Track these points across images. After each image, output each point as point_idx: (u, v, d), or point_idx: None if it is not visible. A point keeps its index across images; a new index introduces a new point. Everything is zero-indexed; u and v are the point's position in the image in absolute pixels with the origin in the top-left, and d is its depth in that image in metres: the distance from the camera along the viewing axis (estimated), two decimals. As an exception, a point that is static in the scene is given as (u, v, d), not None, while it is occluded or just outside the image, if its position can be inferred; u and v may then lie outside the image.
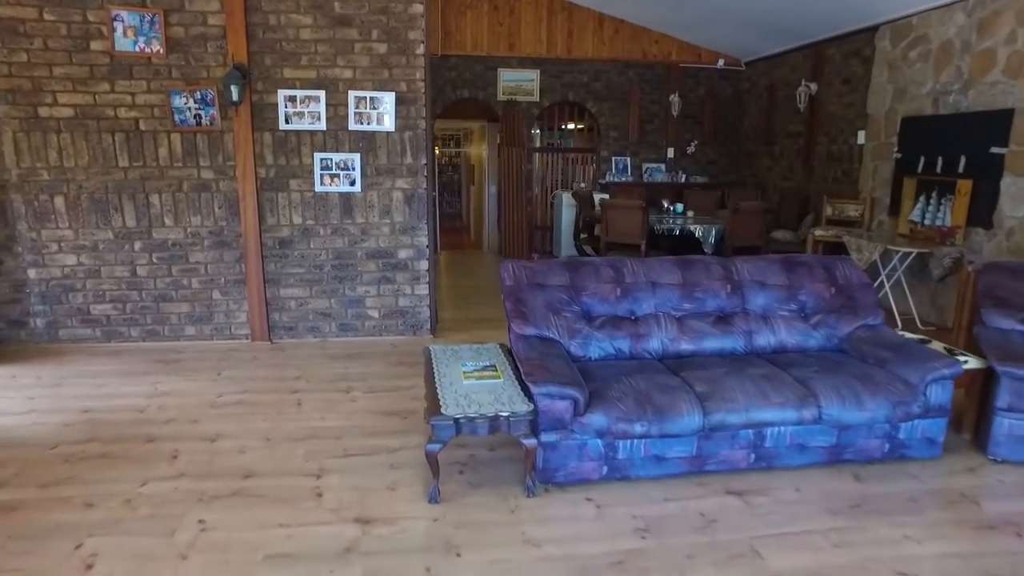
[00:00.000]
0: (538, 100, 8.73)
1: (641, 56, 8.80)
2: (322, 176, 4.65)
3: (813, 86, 7.40)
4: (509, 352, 3.52)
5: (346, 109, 4.58)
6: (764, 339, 3.55)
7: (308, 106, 4.51)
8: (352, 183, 4.68)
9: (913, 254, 5.51)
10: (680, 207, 6.93)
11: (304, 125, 4.54)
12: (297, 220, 4.71)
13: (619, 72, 8.86)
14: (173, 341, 4.77)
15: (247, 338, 4.84)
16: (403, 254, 4.89)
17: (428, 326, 5.05)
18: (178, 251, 4.65)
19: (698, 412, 2.84)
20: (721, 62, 8.91)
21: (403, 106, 4.67)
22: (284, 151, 4.59)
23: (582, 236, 7.26)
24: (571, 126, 10.46)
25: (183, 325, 4.76)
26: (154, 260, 4.63)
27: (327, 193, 4.70)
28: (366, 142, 4.66)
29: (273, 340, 4.86)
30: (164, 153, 4.48)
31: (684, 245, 6.57)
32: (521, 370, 2.92)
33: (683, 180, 8.97)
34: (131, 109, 4.37)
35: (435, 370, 3.19)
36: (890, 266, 5.68)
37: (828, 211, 6.78)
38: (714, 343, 3.49)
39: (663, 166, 9.17)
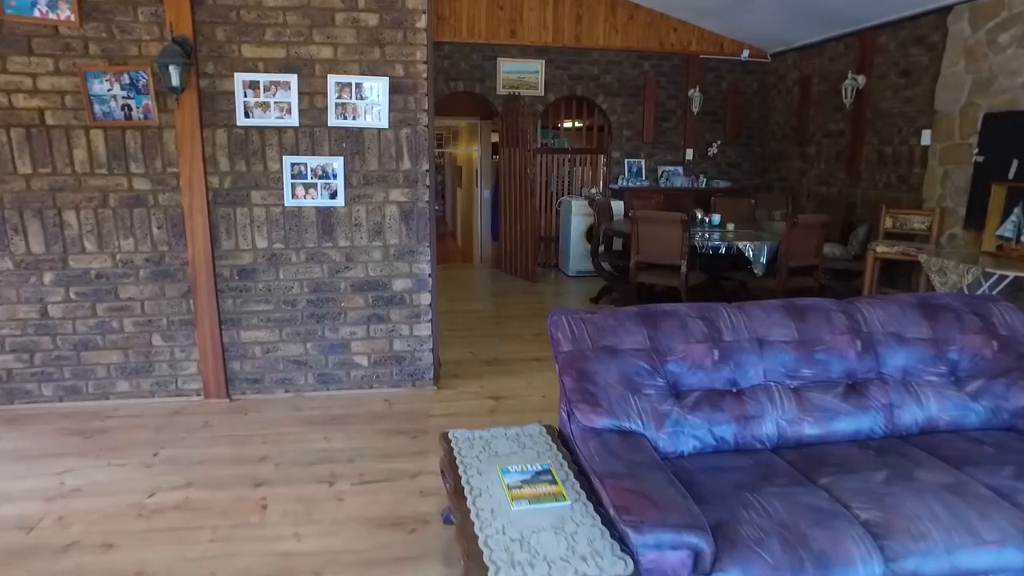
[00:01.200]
0: (542, 94, 7.71)
1: (658, 46, 7.82)
2: (294, 186, 3.58)
3: (861, 79, 6.47)
4: (560, 439, 2.50)
5: (325, 100, 3.52)
6: (909, 415, 2.56)
7: (275, 95, 3.44)
8: (333, 195, 3.62)
9: (1010, 278, 4.59)
10: (717, 218, 5.96)
11: (270, 120, 3.47)
12: (262, 243, 3.64)
13: (633, 64, 7.87)
14: (100, 400, 3.66)
15: (198, 395, 3.75)
16: (399, 285, 3.84)
17: (430, 374, 4.00)
18: (105, 284, 3.54)
19: (875, 558, 1.84)
20: (746, 53, 7.96)
21: (399, 96, 3.62)
22: (244, 154, 3.52)
23: (601, 250, 6.25)
24: (568, 124, 9.48)
25: (113, 380, 3.66)
26: (72, 296, 3.52)
27: (301, 208, 3.63)
28: (351, 142, 3.61)
29: (232, 396, 3.78)
30: (81, 156, 3.37)
31: (728, 265, 5.60)
32: (606, 497, 1.89)
33: (703, 185, 8.01)
34: (32, 96, 3.26)
35: (464, 477, 2.16)
36: (980, 292, 4.75)
37: (887, 223, 5.85)
38: (846, 424, 2.49)
39: (681, 169, 8.20)
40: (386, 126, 3.61)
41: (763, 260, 5.11)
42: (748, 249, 5.09)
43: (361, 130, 3.60)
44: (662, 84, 7.99)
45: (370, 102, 3.54)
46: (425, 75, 3.64)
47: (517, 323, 5.62)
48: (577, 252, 7.60)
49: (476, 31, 7.38)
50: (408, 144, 3.68)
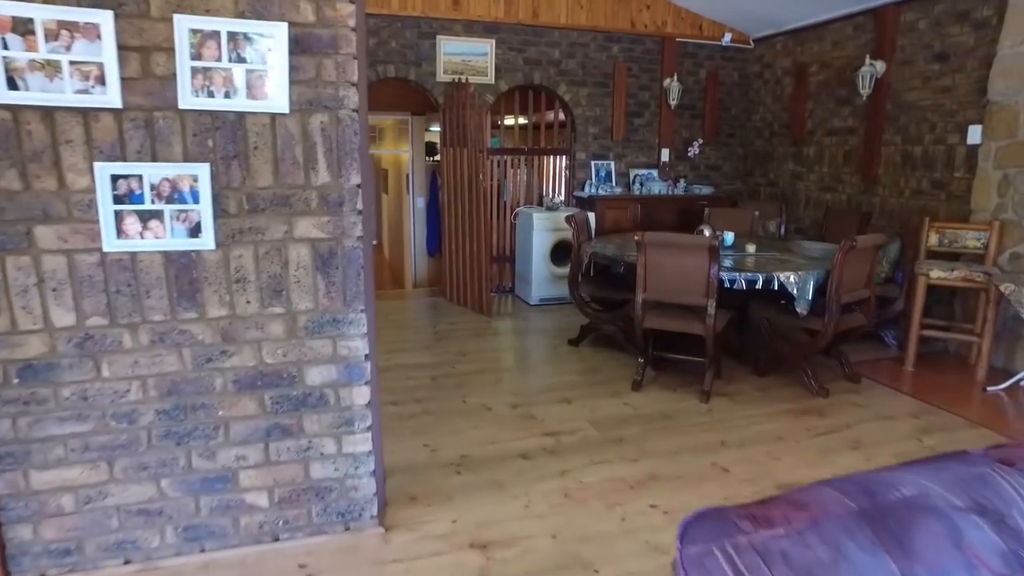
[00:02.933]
0: (492, 82, 6.27)
1: (628, 26, 6.53)
2: (121, 216, 2.00)
3: (879, 65, 5.38)
4: None
5: (170, 60, 1.95)
6: None
7: (70, 48, 1.85)
8: (194, 231, 2.06)
9: None
10: (729, 237, 4.69)
11: (63, 95, 1.88)
12: (64, 319, 2.04)
13: (600, 47, 6.55)
14: None
15: (-46, 587, 2.10)
16: (316, 377, 2.32)
17: (372, 509, 2.50)
18: None
19: None
20: (728, 37, 6.80)
21: (308, 58, 2.10)
22: (14, 159, 1.91)
23: (580, 278, 4.87)
24: (510, 121, 8.10)
25: None
26: None
27: (136, 255, 2.06)
28: (224, 138, 2.06)
29: (21, 584, 2.16)
30: None
31: (756, 300, 4.33)
32: None
33: (682, 191, 6.78)
34: None
35: None
36: (1088, 332, 3.67)
37: (931, 239, 4.75)
38: None
39: (655, 172, 6.95)
40: (285, 110, 2.08)
41: (809, 296, 3.86)
42: (792, 281, 3.82)
43: (241, 116, 2.05)
44: (633, 72, 6.71)
45: (255, 67, 2.00)
46: (352, 23, 2.13)
47: (482, 385, 4.16)
48: (541, 276, 6.21)
49: (410, 1, 5.86)
50: (326, 141, 2.16)
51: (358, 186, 2.23)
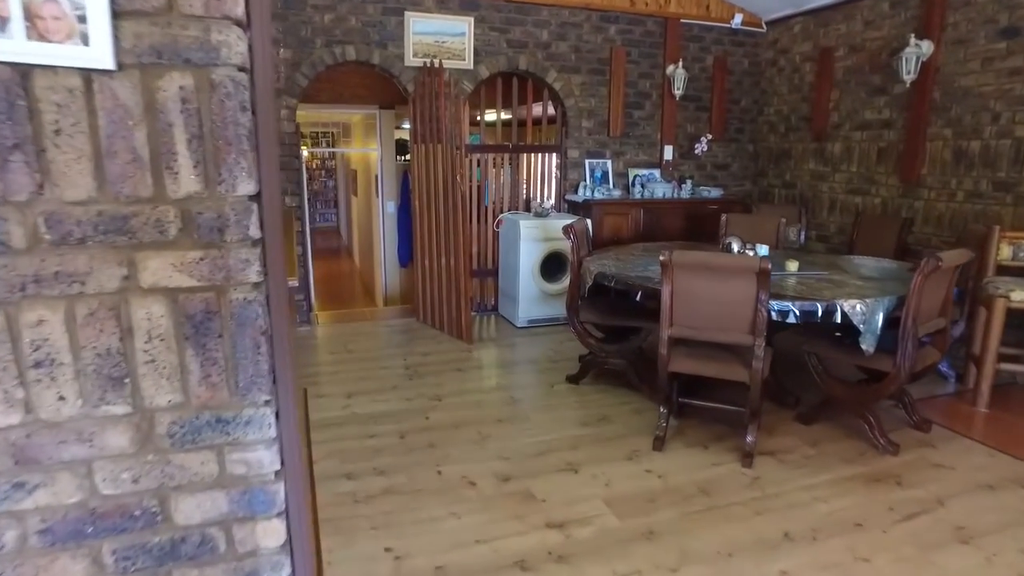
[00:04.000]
0: (471, 67, 5.37)
1: (627, 5, 5.68)
2: None
3: (926, 45, 4.58)
4: None
5: None
6: None
7: None
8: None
9: None
10: (763, 249, 3.85)
11: None
12: None
13: (595, 28, 5.69)
14: None
15: None
16: (194, 512, 1.40)
17: None
18: None
19: None
20: (738, 18, 5.98)
21: (157, -26, 1.17)
22: None
23: (581, 301, 3.99)
24: (492, 114, 7.23)
25: None
26: None
27: None
28: None
29: None
30: None
31: (810, 333, 3.48)
32: None
33: (689, 194, 5.94)
34: None
35: None
36: None
37: (1002, 252, 3.96)
38: None
39: (657, 172, 6.10)
40: (109, 64, 1.16)
41: (877, 329, 3.03)
42: (857, 313, 2.98)
43: (24, 75, 1.13)
44: (633, 57, 5.86)
45: (46, -17, 1.09)
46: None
47: (462, 445, 3.27)
48: (529, 293, 5.32)
49: (372, -30, 4.94)
50: (191, 122, 1.24)
51: (253, 198, 1.32)
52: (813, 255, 4.40)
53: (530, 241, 5.21)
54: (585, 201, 5.52)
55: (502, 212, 5.78)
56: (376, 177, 8.17)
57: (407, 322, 5.58)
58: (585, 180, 5.86)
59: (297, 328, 5.31)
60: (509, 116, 5.74)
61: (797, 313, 2.99)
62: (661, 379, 3.19)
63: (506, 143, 5.71)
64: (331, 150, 16.94)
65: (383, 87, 6.98)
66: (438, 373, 4.32)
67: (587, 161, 5.88)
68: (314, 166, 18.08)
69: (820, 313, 2.99)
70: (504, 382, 4.20)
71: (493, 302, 5.92)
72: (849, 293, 3.13)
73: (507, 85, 5.63)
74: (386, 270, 8.25)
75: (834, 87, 5.49)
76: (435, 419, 3.58)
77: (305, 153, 15.22)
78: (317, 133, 16.28)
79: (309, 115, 10.49)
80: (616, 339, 4.11)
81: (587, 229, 4.32)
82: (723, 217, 4.93)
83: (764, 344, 2.91)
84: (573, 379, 4.15)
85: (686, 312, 3.01)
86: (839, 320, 2.99)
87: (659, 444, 3.23)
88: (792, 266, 3.66)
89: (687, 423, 3.53)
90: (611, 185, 5.91)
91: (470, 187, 5.53)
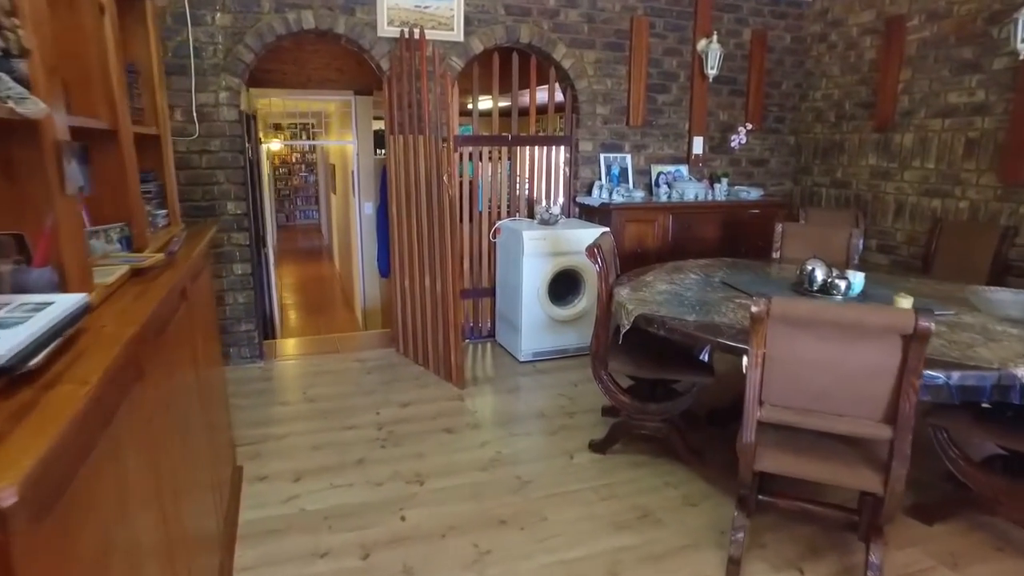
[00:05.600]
0: (461, 39, 4.33)
1: (651, -37, 4.65)
2: None
3: (1040, 9, 3.59)
4: None
5: None
6: None
7: None
8: None
9: None
10: (858, 281, 2.83)
11: None
12: None
13: (612, -7, 4.66)
14: None
15: None
16: None
17: None
18: None
19: None
20: (783, -17, 4.96)
21: None
22: None
23: (611, 347, 2.97)
24: (487, 100, 6.23)
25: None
26: None
27: None
28: None
29: None
30: None
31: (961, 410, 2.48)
32: None
33: (724, 195, 4.93)
34: None
35: None
36: None
37: None
38: None
39: (684, 170, 5.09)
40: None
41: (1063, 405, 2.03)
42: (1043, 385, 1.99)
43: None
44: (658, 30, 4.84)
45: None
46: None
47: (452, 570, 2.26)
48: (535, 320, 4.30)
49: (334, -86, 3.88)
50: None
51: None
52: (905, 279, 3.38)
53: (535, 256, 4.19)
54: (602, 205, 4.49)
55: (499, 219, 4.75)
56: (351, 173, 7.12)
57: (385, 355, 4.55)
58: (600, 179, 4.85)
59: (244, 366, 4.27)
60: (508, 103, 4.71)
61: (954, 388, 1.99)
62: (742, 477, 2.18)
63: (504, 134, 4.67)
64: (300, 143, 15.77)
65: (358, 68, 5.95)
66: (420, 435, 3.30)
67: (602, 156, 4.86)
68: (293, 160, 16.97)
69: (989, 389, 1.99)
70: (507, 450, 3.19)
71: (490, 326, 4.90)
72: (1020, 354, 2.13)
73: (505, 63, 4.59)
74: (364, 280, 7.22)
75: (904, 65, 4.49)
76: (413, 520, 2.56)
77: (277, 146, 14.07)
78: (296, 124, 15.14)
79: (287, 104, 9.41)
80: (654, 391, 3.11)
81: (614, 248, 3.30)
82: (778, 227, 3.92)
83: (910, 437, 1.91)
84: (598, 447, 3.14)
85: (786, 386, 2.01)
86: (1018, 400, 1.99)
87: (735, 569, 2.23)
88: (904, 301, 2.65)
89: (762, 523, 2.54)
90: (631, 184, 4.89)
91: (460, 188, 4.50)
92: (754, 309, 1.92)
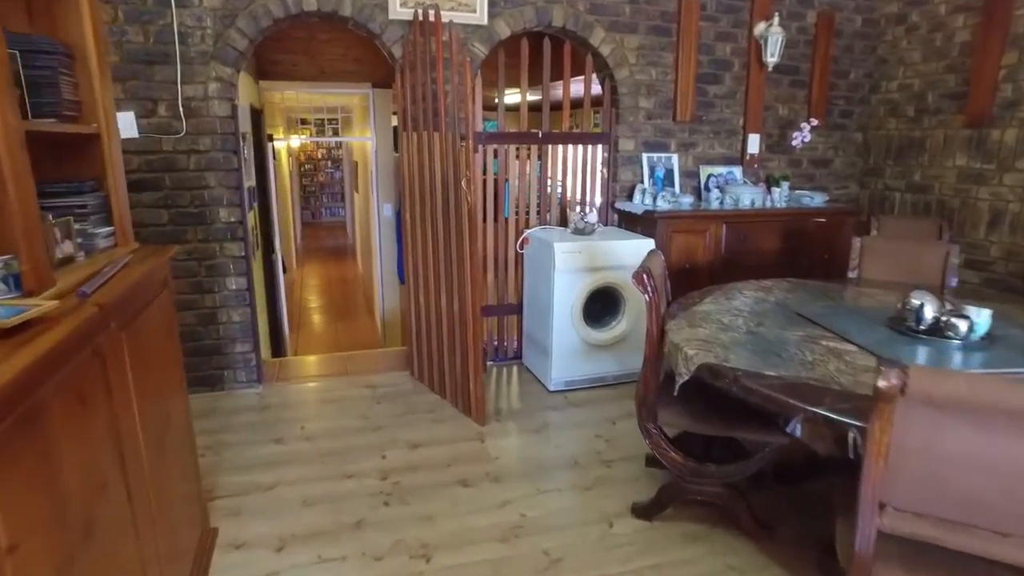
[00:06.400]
0: (484, 22, 3.79)
1: (704, -66, 4.05)
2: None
3: None
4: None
5: None
6: None
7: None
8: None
9: None
10: (983, 321, 2.23)
11: None
12: None
13: (659, -31, 4.07)
14: None
15: None
16: None
17: None
18: None
19: None
20: (856, -44, 4.32)
21: None
22: None
23: (661, 396, 2.41)
24: (514, 93, 5.72)
25: None
26: None
27: None
28: None
29: None
30: None
31: None
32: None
33: (783, 202, 4.32)
34: None
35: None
36: None
37: None
38: None
39: (737, 172, 4.49)
40: None
41: None
42: None
43: None
44: (709, 11, 4.24)
45: None
46: None
47: None
48: (568, 344, 3.76)
49: None
50: None
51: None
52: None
53: (569, 272, 3.64)
54: (646, 213, 3.92)
55: (527, 226, 4.21)
56: (370, 172, 6.65)
57: (398, 379, 4.05)
58: (643, 182, 4.27)
59: (239, 391, 3.81)
60: (538, 96, 4.15)
61: None
62: (847, 596, 1.61)
63: (534, 131, 4.12)
64: (315, 139, 15.36)
65: (376, 59, 5.46)
66: (431, 490, 2.79)
67: (645, 156, 4.28)
68: (319, 156, 16.63)
69: None
70: (533, 512, 2.65)
71: (516, 347, 4.37)
72: None
73: (535, 50, 4.03)
74: (383, 286, 6.75)
75: (1008, 47, 3.82)
76: None
77: (296, 142, 13.69)
78: (322, 120, 14.78)
79: (301, 98, 8.99)
80: (709, 447, 2.55)
81: (665, 270, 2.74)
82: (856, 242, 3.31)
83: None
84: (643, 512, 2.59)
85: (920, 488, 1.44)
86: None
87: None
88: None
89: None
90: (677, 188, 4.31)
91: (484, 187, 3.97)
92: (882, 384, 1.35)
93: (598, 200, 4.37)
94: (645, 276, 2.34)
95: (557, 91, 4.29)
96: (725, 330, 2.36)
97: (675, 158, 4.34)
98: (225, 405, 3.65)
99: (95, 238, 1.96)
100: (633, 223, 4.10)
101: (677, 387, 2.19)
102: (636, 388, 2.51)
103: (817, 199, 4.34)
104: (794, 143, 4.45)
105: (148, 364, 1.85)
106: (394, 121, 6.24)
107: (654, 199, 4.09)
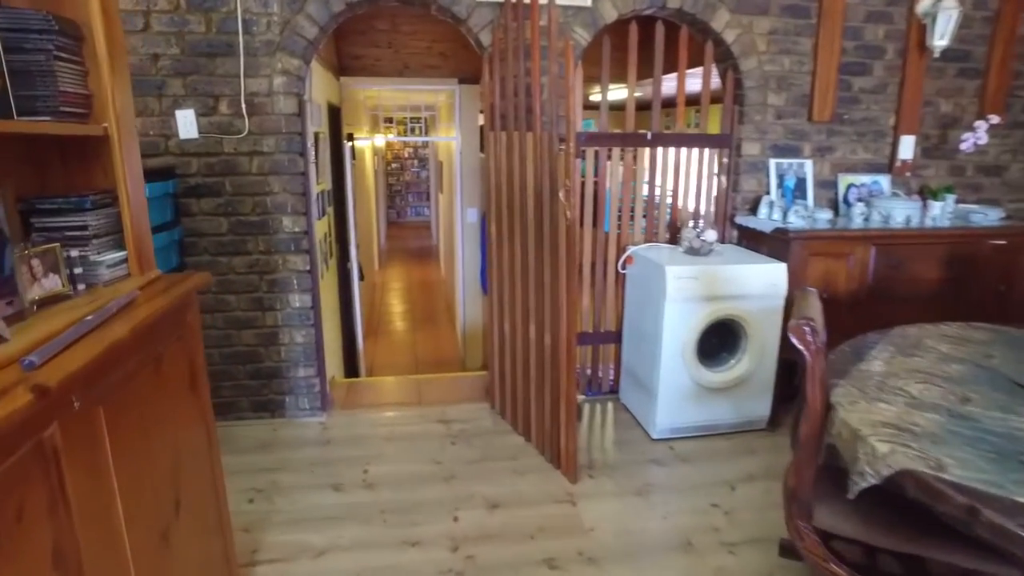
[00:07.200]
0: (588, 4, 3.23)
1: None
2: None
3: None
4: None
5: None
6: None
7: None
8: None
9: None
10: None
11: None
12: None
13: (799, -64, 3.39)
14: None
15: None
16: None
17: None
18: None
19: None
20: (1053, -85, 3.47)
21: None
22: None
23: (820, 494, 1.79)
24: (619, 88, 5.11)
25: None
26: None
27: None
28: None
29: None
30: None
31: None
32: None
33: (949, 219, 3.53)
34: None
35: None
36: None
37: None
38: None
39: (885, 180, 3.74)
40: None
41: None
42: None
43: None
44: (860, -13, 3.52)
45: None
46: None
47: None
48: (677, 385, 3.15)
49: None
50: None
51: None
52: None
53: (682, 301, 3.03)
54: (777, 231, 3.25)
55: (631, 243, 3.62)
56: (454, 174, 6.22)
57: (477, 412, 3.57)
58: (769, 192, 3.60)
59: (302, 420, 3.43)
60: (646, 91, 3.56)
61: None
62: None
63: (642, 131, 3.53)
64: (397, 138, 15.16)
65: (464, 52, 5.03)
66: (511, 571, 2.27)
67: (772, 162, 3.61)
68: (405, 155, 16.52)
69: None
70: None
71: (612, 379, 3.80)
72: None
73: (646, 37, 3.44)
74: (465, 296, 6.31)
75: None
76: None
77: (380, 141, 13.53)
78: (405, 119, 14.62)
79: (397, 96, 8.72)
80: (875, 553, 1.90)
81: (819, 305, 2.10)
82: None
83: None
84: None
85: None
86: None
87: None
88: None
89: None
90: (809, 200, 3.61)
91: (581, 198, 3.41)
92: None
93: (712, 211, 3.72)
94: (807, 330, 1.72)
95: (668, 85, 3.69)
96: (918, 407, 1.72)
97: (808, 165, 3.64)
98: (285, 436, 3.28)
99: (98, 267, 1.54)
100: (756, 242, 3.45)
101: (856, 490, 1.57)
102: (785, 474, 1.90)
103: (992, 216, 3.53)
104: (964, 146, 3.64)
105: (152, 431, 1.42)
106: (481, 120, 5.79)
107: (784, 214, 3.42)
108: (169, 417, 1.54)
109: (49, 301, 1.37)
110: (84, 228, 1.51)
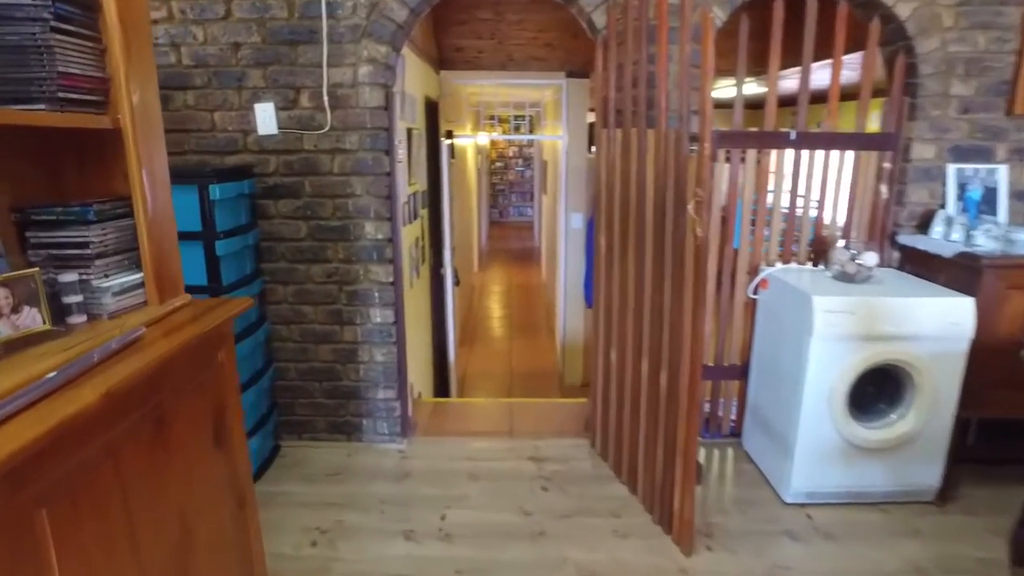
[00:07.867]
0: (728, -21, 2.69)
1: None
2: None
3: None
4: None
5: None
6: None
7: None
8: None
9: None
10: None
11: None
12: None
13: None
14: None
15: None
16: None
17: None
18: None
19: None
20: None
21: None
22: None
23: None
24: (754, 83, 4.42)
25: None
26: None
27: None
28: None
29: None
30: None
31: None
32: None
33: None
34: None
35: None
36: None
37: None
38: None
39: (1103, 193, 2.93)
40: None
41: None
42: None
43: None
44: (1085, -54, 2.76)
45: None
46: None
47: None
48: (819, 440, 2.56)
49: None
50: None
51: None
52: None
53: (833, 339, 2.44)
54: (962, 256, 2.58)
55: (765, 263, 3.04)
56: (559, 176, 5.79)
57: (574, 450, 3.12)
58: (946, 206, 2.92)
59: (380, 446, 3.11)
60: (794, 81, 2.97)
61: None
62: None
63: (785, 130, 2.94)
64: (499, 136, 14.82)
65: (572, 42, 4.59)
66: None
67: (952, 168, 2.92)
68: (509, 154, 16.27)
69: None
70: None
71: (733, 419, 3.24)
72: None
73: (794, 16, 2.85)
74: (566, 307, 5.87)
75: None
76: None
77: (484, 139, 13.25)
78: (512, 116, 14.31)
79: (500, 91, 8.39)
80: None
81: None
82: None
83: None
84: None
85: None
86: None
87: None
88: None
89: None
90: (1001, 218, 2.89)
91: (709, 217, 2.86)
92: None
93: (866, 226, 3.07)
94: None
95: (819, 76, 3.08)
96: None
97: (1002, 171, 2.91)
98: (359, 464, 2.97)
99: (103, 294, 1.22)
100: (926, 268, 2.78)
101: None
102: (1012, 534, 1.33)
103: None
104: None
105: (141, 516, 1.07)
106: (591, 117, 5.33)
107: (967, 233, 2.73)
108: (175, 488, 1.20)
109: (22, 343, 1.05)
110: (85, 245, 1.19)
